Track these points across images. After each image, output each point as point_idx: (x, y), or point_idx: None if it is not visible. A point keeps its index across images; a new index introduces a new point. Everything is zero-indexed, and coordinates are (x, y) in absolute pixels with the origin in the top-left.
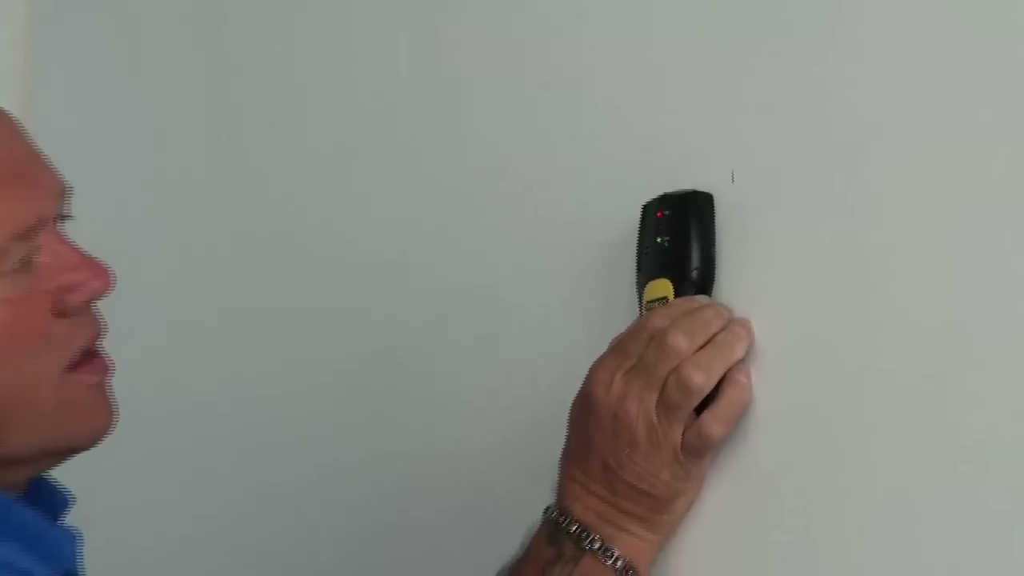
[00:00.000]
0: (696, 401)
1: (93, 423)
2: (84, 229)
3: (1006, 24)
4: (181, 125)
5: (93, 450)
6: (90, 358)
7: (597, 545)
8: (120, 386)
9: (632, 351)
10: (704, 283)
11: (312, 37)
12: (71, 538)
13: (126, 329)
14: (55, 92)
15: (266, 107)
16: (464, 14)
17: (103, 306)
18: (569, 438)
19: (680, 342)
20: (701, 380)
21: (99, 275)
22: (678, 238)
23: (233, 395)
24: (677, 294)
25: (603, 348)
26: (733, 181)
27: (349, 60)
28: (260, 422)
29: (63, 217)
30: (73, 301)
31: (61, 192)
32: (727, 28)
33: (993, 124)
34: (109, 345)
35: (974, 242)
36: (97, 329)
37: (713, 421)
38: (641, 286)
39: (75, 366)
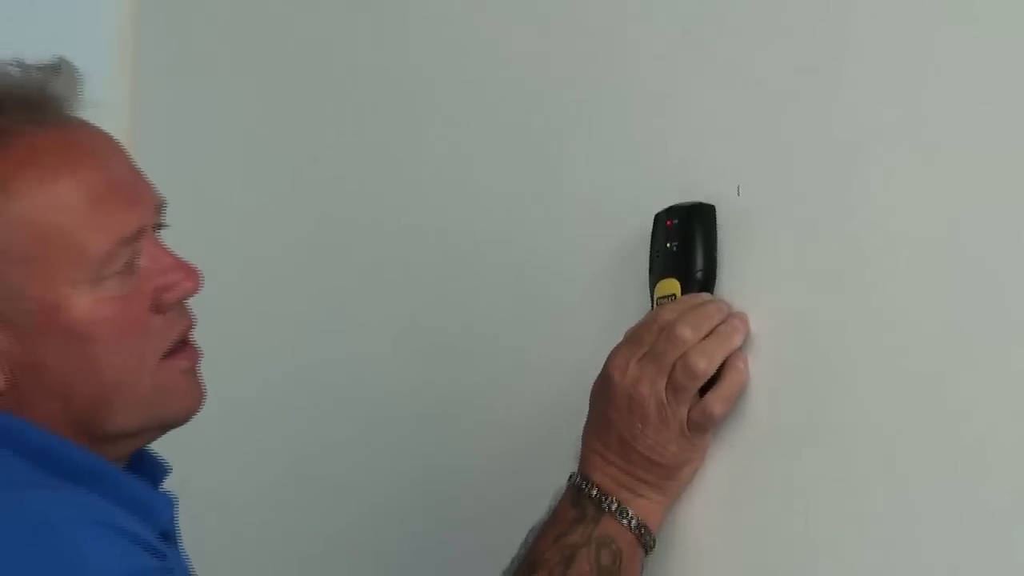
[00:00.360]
0: (700, 383)
1: (186, 403)
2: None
3: (1006, 24)
4: (262, 140)
5: (186, 426)
6: (183, 347)
7: (614, 507)
8: (207, 369)
9: (645, 340)
10: (707, 282)
11: (365, 42)
12: (168, 502)
13: (215, 318)
14: (155, 116)
15: (334, 109)
16: (484, 31)
17: (193, 302)
18: (590, 415)
19: (686, 332)
20: (704, 365)
21: (190, 276)
22: (685, 243)
23: (300, 374)
24: (684, 291)
25: (619, 338)
26: (739, 194)
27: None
28: (324, 389)
29: (160, 226)
30: (168, 299)
31: (159, 205)
32: (728, 29)
33: (993, 125)
34: (199, 334)
35: (974, 242)
36: (189, 322)
37: (715, 401)
38: (652, 285)
39: (170, 354)
